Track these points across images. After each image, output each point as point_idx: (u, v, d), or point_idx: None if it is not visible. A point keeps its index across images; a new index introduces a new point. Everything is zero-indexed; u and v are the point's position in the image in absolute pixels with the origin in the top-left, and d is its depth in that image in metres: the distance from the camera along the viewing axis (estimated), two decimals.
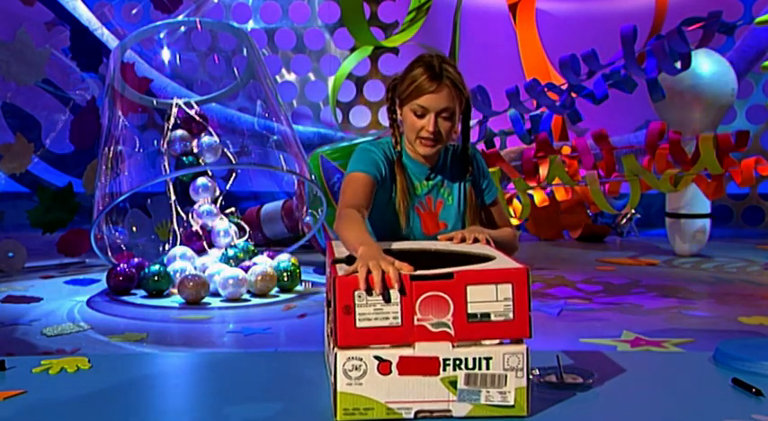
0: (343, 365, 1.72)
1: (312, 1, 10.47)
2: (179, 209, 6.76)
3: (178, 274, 6.14)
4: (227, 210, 6.85)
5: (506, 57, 9.60)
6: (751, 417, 1.74)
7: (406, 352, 1.73)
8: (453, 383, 1.74)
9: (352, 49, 9.81)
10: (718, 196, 6.88)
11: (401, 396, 1.73)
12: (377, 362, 1.72)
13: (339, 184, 6.40)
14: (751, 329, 5.18)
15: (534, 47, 9.42)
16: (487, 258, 1.89)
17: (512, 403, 1.75)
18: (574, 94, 6.76)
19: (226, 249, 6.50)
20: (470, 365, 1.73)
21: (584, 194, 6.99)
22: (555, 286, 6.51)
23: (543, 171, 6.81)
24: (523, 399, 1.75)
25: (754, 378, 1.95)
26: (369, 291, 1.71)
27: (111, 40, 8.33)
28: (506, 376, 1.74)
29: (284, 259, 6.48)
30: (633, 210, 8.85)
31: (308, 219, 7.03)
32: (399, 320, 1.72)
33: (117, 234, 7.11)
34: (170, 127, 6.79)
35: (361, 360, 1.72)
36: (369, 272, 1.72)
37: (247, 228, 6.82)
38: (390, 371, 1.72)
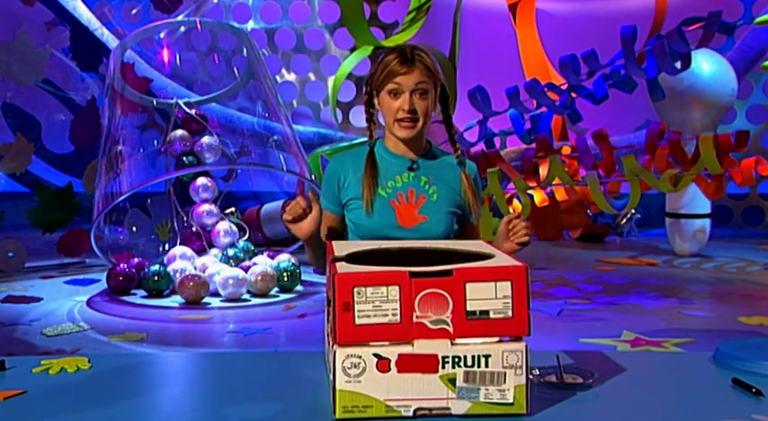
0: (342, 363, 1.71)
1: (312, 1, 10.47)
2: (179, 209, 6.76)
3: (178, 274, 6.14)
4: (227, 210, 6.85)
5: (506, 57, 9.60)
6: (751, 417, 1.74)
7: (405, 349, 1.72)
8: (452, 381, 1.73)
9: (352, 49, 9.81)
10: (718, 196, 6.89)
11: (400, 393, 1.72)
12: (376, 359, 1.72)
13: None
14: (751, 329, 5.18)
15: (534, 47, 9.42)
16: (486, 256, 1.89)
17: (511, 401, 1.74)
18: (574, 94, 6.76)
19: (226, 249, 6.50)
20: (469, 363, 1.73)
21: (584, 194, 7.00)
22: (555, 286, 6.51)
23: (543, 171, 6.81)
24: (522, 397, 1.75)
25: (754, 378, 1.95)
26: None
27: (111, 40, 8.33)
28: (505, 374, 1.74)
29: (284, 259, 6.48)
30: (633, 210, 8.85)
31: None
32: (398, 317, 1.72)
33: (117, 234, 7.11)
34: (170, 127, 6.79)
35: (360, 358, 1.71)
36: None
37: (247, 228, 6.82)
38: (389, 369, 1.72)
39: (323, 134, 9.24)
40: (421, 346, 1.72)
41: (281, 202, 8.20)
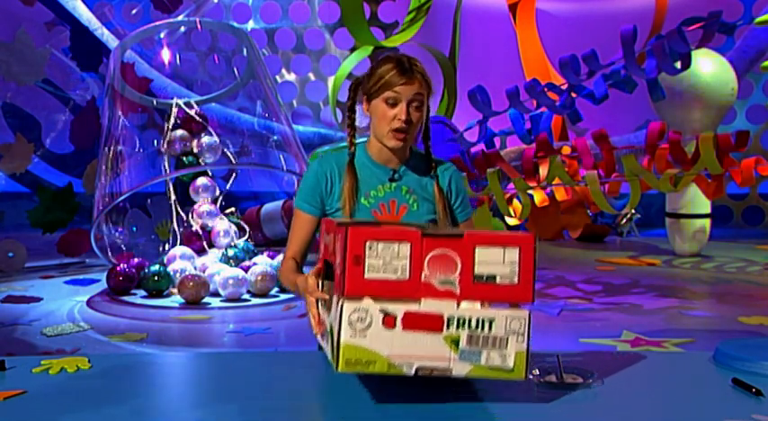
0: (349, 316, 1.73)
1: (312, 1, 10.48)
2: (179, 209, 6.76)
3: (178, 274, 6.14)
4: (227, 210, 6.85)
5: (506, 57, 9.61)
6: (751, 417, 1.74)
7: (412, 307, 1.75)
8: (456, 342, 1.76)
9: (352, 49, 9.81)
10: (718, 196, 6.88)
11: (404, 350, 1.74)
12: (382, 315, 1.74)
13: None
14: (751, 329, 5.18)
15: (534, 47, 9.42)
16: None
17: (511, 367, 1.77)
18: (574, 94, 6.75)
19: (226, 249, 6.50)
20: (473, 326, 1.75)
21: (584, 194, 6.98)
22: (555, 286, 6.51)
23: (543, 171, 6.80)
24: (522, 364, 1.77)
25: (754, 378, 1.95)
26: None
27: (111, 40, 8.34)
28: (508, 339, 1.76)
29: None
30: (633, 210, 8.85)
31: None
32: (407, 274, 1.75)
33: (117, 234, 7.11)
34: (170, 127, 6.79)
35: (366, 312, 1.74)
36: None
37: (247, 228, 6.82)
38: (395, 326, 1.74)
39: (323, 134, 9.24)
40: (427, 305, 1.75)
41: (281, 202, 8.20)
